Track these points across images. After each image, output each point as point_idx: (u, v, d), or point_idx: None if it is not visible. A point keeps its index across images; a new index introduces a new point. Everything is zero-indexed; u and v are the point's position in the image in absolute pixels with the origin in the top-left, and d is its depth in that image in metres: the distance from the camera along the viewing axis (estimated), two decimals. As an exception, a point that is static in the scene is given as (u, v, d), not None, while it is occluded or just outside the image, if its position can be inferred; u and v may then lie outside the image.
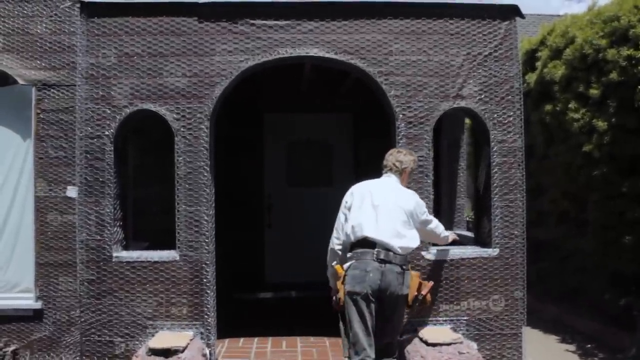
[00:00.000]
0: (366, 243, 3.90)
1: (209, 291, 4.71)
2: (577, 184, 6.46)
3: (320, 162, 7.36)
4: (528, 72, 7.14)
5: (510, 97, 4.82)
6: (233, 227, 7.06)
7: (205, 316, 4.69)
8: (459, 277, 4.78)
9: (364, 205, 4.01)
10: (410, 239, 3.97)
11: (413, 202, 4.09)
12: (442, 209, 6.54)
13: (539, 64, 6.94)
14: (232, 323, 5.91)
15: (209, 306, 4.70)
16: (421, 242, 4.36)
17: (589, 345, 6.18)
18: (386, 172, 4.24)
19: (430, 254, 4.78)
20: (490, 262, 4.80)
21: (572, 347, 6.18)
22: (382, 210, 3.96)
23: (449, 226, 6.34)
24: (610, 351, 5.93)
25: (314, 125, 7.71)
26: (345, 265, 3.94)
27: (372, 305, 3.82)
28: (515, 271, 4.82)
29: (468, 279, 4.77)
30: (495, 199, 4.82)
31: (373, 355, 3.81)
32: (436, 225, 4.31)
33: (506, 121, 4.83)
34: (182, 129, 4.72)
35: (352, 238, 3.96)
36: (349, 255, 3.96)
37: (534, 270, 7.57)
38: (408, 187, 4.32)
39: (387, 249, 3.86)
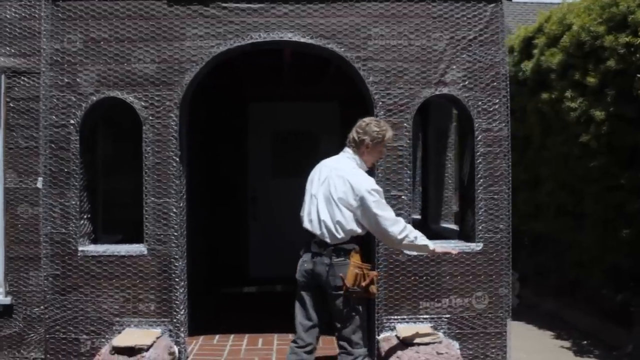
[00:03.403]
0: (308, 234, 3.88)
1: (177, 287, 4.57)
2: (574, 175, 6.41)
3: (306, 153, 7.27)
4: (524, 60, 7.07)
5: (495, 83, 4.66)
6: (216, 220, 7.02)
7: (174, 312, 4.56)
8: (440, 273, 4.64)
9: (306, 193, 3.97)
10: (336, 229, 3.78)
11: (347, 183, 3.78)
12: (430, 201, 6.44)
13: (535, 51, 6.87)
14: (212, 318, 5.81)
15: (178, 302, 4.57)
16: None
17: (585, 342, 6.13)
18: (345, 146, 4.00)
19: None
20: (474, 258, 4.65)
21: (567, 344, 6.12)
22: (317, 199, 3.86)
23: (435, 219, 6.38)
24: (607, 348, 5.85)
25: (299, 115, 7.63)
26: (300, 252, 3.98)
27: (311, 293, 3.89)
28: (500, 267, 4.67)
29: (450, 275, 4.64)
30: (479, 191, 4.67)
31: (309, 340, 3.88)
32: (391, 222, 3.75)
33: (491, 109, 4.67)
34: (150, 118, 4.57)
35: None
36: None
37: (531, 264, 7.82)
38: (372, 166, 4.14)
39: (320, 240, 3.81)
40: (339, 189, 3.79)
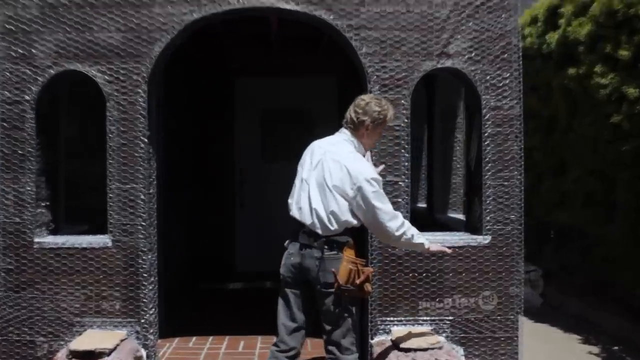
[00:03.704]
0: (296, 223, 3.86)
1: (146, 283, 4.55)
2: (604, 160, 6.47)
3: (300, 133, 7.14)
4: (549, 32, 7.13)
5: (506, 55, 4.58)
6: (199, 208, 7.05)
7: (142, 312, 4.54)
8: (442, 270, 4.59)
9: (297, 177, 3.95)
10: (329, 218, 3.76)
11: (344, 170, 3.76)
12: (436, 188, 6.43)
13: (561, 21, 6.91)
14: (191, 318, 5.84)
15: (146, 300, 4.55)
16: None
17: (616, 347, 6.16)
18: (342, 126, 3.97)
19: None
20: (481, 252, 4.60)
21: (596, 349, 6.16)
22: (308, 184, 3.83)
23: (442, 208, 6.40)
24: (640, 354, 5.86)
25: (292, 91, 7.62)
26: (286, 243, 3.96)
27: (298, 290, 3.87)
28: (511, 263, 4.61)
29: (453, 272, 4.59)
30: (487, 177, 4.60)
31: (293, 344, 3.87)
32: (389, 216, 3.76)
33: (501, 84, 4.59)
34: (115, 94, 4.53)
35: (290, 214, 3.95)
36: None
37: (556, 260, 7.95)
38: (372, 150, 4.13)
39: (310, 231, 3.79)
40: (334, 176, 3.76)
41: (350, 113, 3.89)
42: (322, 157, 3.84)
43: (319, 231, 3.76)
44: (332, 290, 3.74)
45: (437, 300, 4.59)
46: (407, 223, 3.86)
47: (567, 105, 6.96)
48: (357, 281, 3.74)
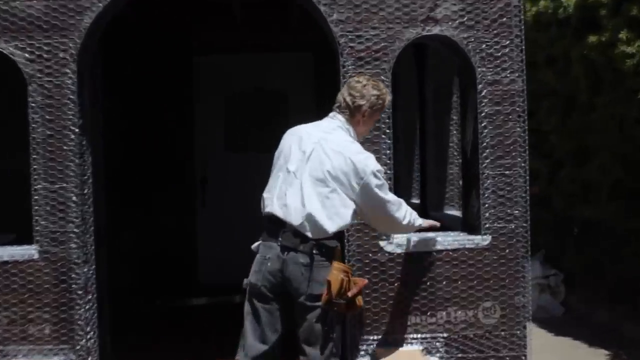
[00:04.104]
0: (273, 221, 3.83)
1: (81, 302, 4.47)
2: (634, 143, 6.56)
3: (271, 119, 7.31)
4: None
5: (505, 19, 4.55)
6: (154, 210, 7.09)
7: (78, 337, 4.47)
8: (434, 277, 4.55)
9: (278, 167, 3.93)
10: (327, 219, 3.78)
11: (349, 162, 3.81)
12: (429, 181, 6.45)
13: None
14: (144, 342, 5.77)
15: (82, 323, 4.47)
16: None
17: None
18: (333, 111, 4.01)
19: (391, 245, 4.54)
20: (479, 255, 4.56)
21: None
22: (298, 177, 3.82)
23: (437, 204, 6.40)
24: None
25: (261, 70, 7.68)
26: (255, 245, 3.93)
27: (274, 304, 3.82)
28: (516, 268, 4.57)
29: (447, 280, 4.56)
30: (484, 166, 4.57)
31: None
32: (397, 206, 3.94)
33: (499, 54, 4.55)
34: (38, 75, 4.46)
35: (262, 211, 3.91)
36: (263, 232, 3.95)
37: (579, 261, 8.00)
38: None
39: (296, 231, 3.75)
40: (337, 169, 3.79)
41: (344, 96, 3.95)
42: (317, 146, 3.84)
43: (309, 233, 3.74)
44: (319, 304, 3.72)
45: (429, 314, 4.57)
46: (407, 206, 4.03)
47: (588, 79, 6.95)
48: (349, 294, 3.75)
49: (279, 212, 3.79)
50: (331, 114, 3.98)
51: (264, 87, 7.73)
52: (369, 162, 3.83)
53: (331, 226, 3.77)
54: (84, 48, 4.49)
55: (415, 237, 4.55)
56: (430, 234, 4.64)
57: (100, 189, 4.96)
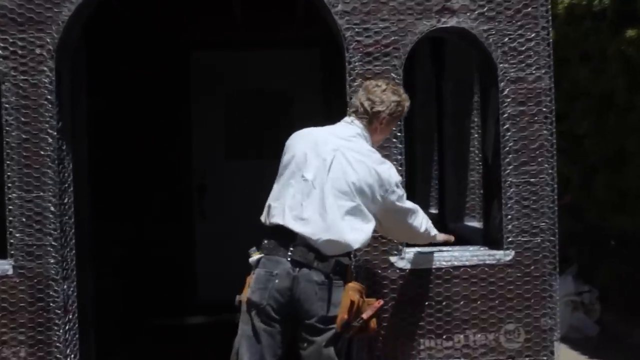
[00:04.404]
0: (282, 233, 3.73)
1: (60, 322, 4.40)
2: None
3: (275, 122, 7.33)
4: None
5: (530, 9, 4.50)
6: (147, 221, 7.07)
7: (56, 360, 4.47)
8: (450, 297, 4.50)
9: (289, 174, 3.84)
10: (351, 234, 3.75)
11: (374, 174, 3.79)
12: (448, 189, 6.43)
13: None
14: None
15: (60, 345, 4.39)
16: (388, 240, 4.31)
17: None
18: (349, 116, 4.01)
19: (403, 260, 4.49)
20: (501, 272, 4.52)
21: None
22: (317, 186, 3.76)
23: (457, 215, 6.38)
24: None
25: (265, 68, 7.68)
26: (253, 259, 3.83)
27: (277, 326, 3.73)
28: (542, 286, 4.53)
29: (466, 299, 4.51)
30: (507, 172, 4.52)
31: None
32: (414, 214, 4.04)
33: (524, 48, 4.50)
34: (12, 73, 4.40)
35: (267, 221, 3.86)
36: (263, 243, 3.86)
37: (616, 277, 7.93)
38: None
39: (310, 246, 3.68)
40: (362, 181, 3.78)
41: (362, 100, 3.96)
42: (337, 154, 3.82)
43: (327, 249, 3.70)
44: (333, 326, 3.68)
45: (445, 337, 4.53)
46: (423, 213, 4.13)
47: (626, 78, 6.90)
48: (364, 315, 3.74)
49: (291, 224, 3.71)
50: (347, 119, 3.98)
51: (266, 87, 7.80)
52: (392, 173, 3.91)
53: (355, 242, 3.76)
54: (63, 43, 4.45)
55: (430, 251, 4.53)
56: (447, 248, 4.63)
57: (84, 198, 4.93)
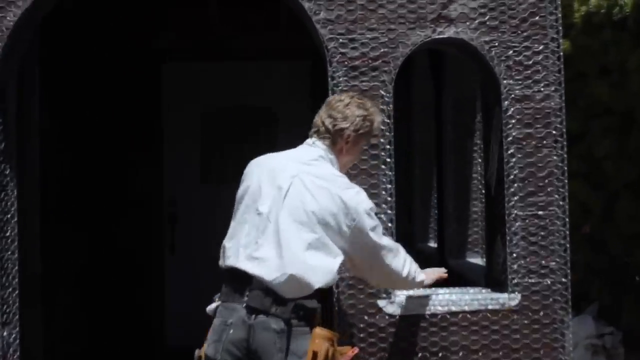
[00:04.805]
0: (237, 277, 3.65)
1: None
2: None
3: (258, 144, 6.87)
4: None
5: (538, 18, 4.51)
6: (111, 255, 7.02)
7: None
8: (446, 347, 4.43)
9: (244, 209, 3.78)
10: (312, 272, 3.65)
11: (338, 201, 3.69)
12: (447, 222, 6.40)
13: None
14: None
15: None
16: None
17: None
18: (310, 137, 3.95)
19: (392, 305, 4.43)
20: (506, 319, 4.47)
21: None
22: (272, 220, 3.68)
23: (459, 250, 6.38)
24: None
25: (247, 82, 7.77)
26: (211, 307, 3.76)
27: None
28: (553, 335, 4.48)
29: (464, 350, 4.45)
30: (512, 204, 4.49)
31: None
32: (393, 254, 3.90)
33: (530, 62, 4.49)
34: None
35: (222, 264, 3.81)
36: (222, 289, 3.82)
37: None
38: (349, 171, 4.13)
39: (267, 289, 3.60)
40: (323, 209, 3.68)
41: (322, 118, 3.90)
42: (294, 180, 3.73)
43: (285, 292, 3.61)
44: None
45: None
46: (406, 254, 3.99)
47: None
48: None
49: (245, 266, 3.62)
50: (308, 141, 3.90)
51: (248, 102, 7.80)
52: (360, 199, 3.78)
53: (316, 281, 3.62)
54: (9, 51, 4.43)
55: (424, 294, 4.49)
56: (443, 290, 4.59)
57: (31, 230, 4.91)
